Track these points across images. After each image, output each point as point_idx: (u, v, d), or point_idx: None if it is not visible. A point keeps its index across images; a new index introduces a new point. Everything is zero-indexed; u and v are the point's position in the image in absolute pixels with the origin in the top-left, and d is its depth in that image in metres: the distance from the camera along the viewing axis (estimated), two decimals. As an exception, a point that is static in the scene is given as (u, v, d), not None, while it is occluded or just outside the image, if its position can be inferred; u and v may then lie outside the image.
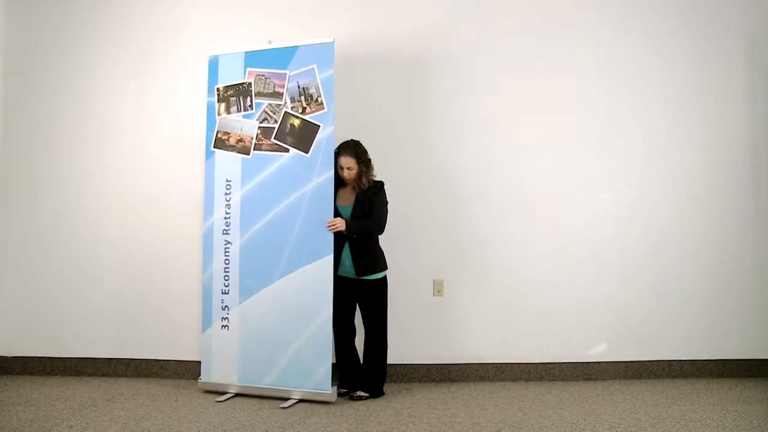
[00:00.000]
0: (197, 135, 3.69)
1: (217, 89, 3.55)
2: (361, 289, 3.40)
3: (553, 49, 3.85)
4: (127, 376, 3.77)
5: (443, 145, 3.81)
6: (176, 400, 3.33)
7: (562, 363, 3.78)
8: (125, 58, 3.87)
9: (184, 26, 3.87)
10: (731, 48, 3.91)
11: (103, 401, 3.30)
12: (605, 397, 3.43)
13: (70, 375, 3.77)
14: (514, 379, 3.76)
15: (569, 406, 3.29)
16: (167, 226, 3.79)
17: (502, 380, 3.75)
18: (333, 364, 3.34)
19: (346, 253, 3.37)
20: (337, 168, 3.36)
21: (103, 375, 3.77)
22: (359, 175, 3.35)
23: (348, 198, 3.41)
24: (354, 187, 3.39)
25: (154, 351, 3.77)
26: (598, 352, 3.80)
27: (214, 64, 3.57)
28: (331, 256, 3.31)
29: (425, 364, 3.73)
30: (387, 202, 3.41)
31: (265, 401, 3.30)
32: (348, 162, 3.32)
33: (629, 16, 3.88)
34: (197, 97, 3.74)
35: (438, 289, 3.78)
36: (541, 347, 3.78)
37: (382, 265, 3.41)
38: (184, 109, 3.82)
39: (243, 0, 3.86)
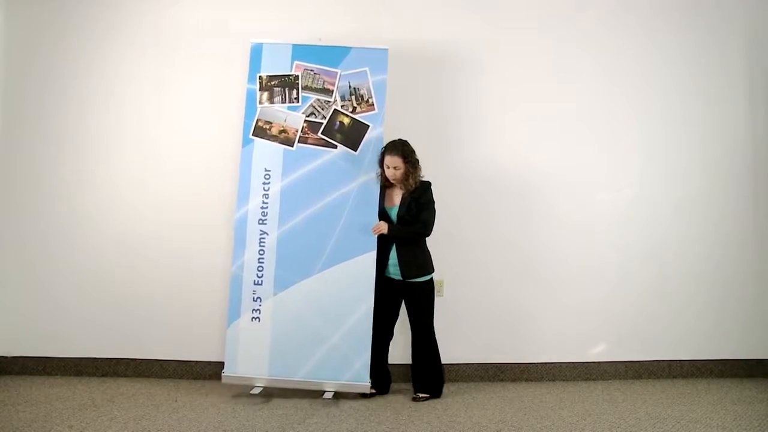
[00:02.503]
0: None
1: (260, 77, 3.49)
2: (407, 292, 3.39)
3: (554, 50, 3.86)
4: (127, 376, 3.76)
5: (444, 146, 3.82)
6: (176, 400, 3.33)
7: (562, 363, 3.78)
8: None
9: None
10: (731, 48, 3.91)
11: (103, 401, 3.30)
12: (605, 397, 3.43)
13: (70, 375, 3.76)
14: (514, 379, 3.76)
15: (569, 406, 3.29)
16: (174, 226, 3.76)
17: (502, 380, 3.75)
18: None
19: (393, 254, 3.37)
20: (383, 167, 3.35)
21: (103, 375, 3.77)
22: (406, 175, 3.33)
23: (395, 199, 3.40)
24: (401, 188, 3.37)
25: (154, 351, 3.77)
26: (598, 352, 3.80)
27: (256, 52, 3.51)
28: (374, 252, 3.35)
29: (425, 364, 3.72)
30: (434, 202, 3.39)
31: (262, 399, 3.30)
32: (394, 161, 3.30)
33: (630, 17, 3.88)
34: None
35: (438, 289, 3.77)
36: (541, 347, 3.78)
37: (429, 268, 3.40)
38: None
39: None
